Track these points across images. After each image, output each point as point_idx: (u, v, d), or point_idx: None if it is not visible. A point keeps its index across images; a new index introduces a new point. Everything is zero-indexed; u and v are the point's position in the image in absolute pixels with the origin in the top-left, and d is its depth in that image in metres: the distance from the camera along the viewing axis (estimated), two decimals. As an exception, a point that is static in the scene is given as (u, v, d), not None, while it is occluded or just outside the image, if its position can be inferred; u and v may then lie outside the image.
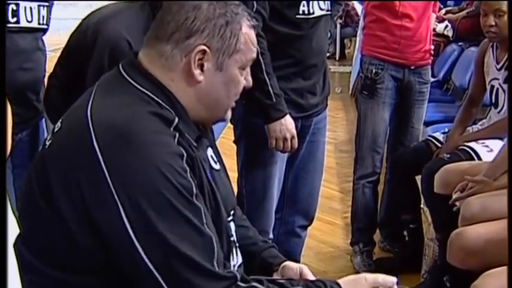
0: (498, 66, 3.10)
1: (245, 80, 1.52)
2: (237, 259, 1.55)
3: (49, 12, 2.32)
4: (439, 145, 3.25)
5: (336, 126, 6.24)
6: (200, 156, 1.44)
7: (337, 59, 10.72)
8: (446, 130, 3.35)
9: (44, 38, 2.40)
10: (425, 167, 3.02)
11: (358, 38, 7.06)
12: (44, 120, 2.43)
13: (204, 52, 1.41)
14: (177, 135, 1.37)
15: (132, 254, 1.29)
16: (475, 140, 3.08)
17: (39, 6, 2.24)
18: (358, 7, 9.16)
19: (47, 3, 2.30)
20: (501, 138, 2.99)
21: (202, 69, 1.42)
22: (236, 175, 2.77)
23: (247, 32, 1.47)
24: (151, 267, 1.28)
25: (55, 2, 2.41)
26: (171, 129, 1.38)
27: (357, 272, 3.39)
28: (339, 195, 4.44)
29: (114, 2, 2.25)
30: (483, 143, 3.04)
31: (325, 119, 2.85)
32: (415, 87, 3.38)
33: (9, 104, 1.32)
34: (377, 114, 3.34)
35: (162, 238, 1.28)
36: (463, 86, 4.69)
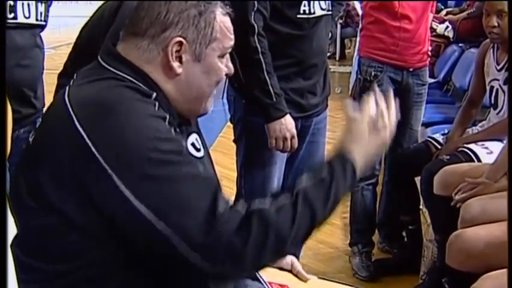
0: (498, 67, 3.10)
1: (226, 67, 1.52)
2: None
3: (47, 9, 2.31)
4: (439, 146, 3.24)
5: (336, 126, 6.20)
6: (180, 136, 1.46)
7: (337, 59, 10.72)
8: (446, 131, 3.35)
9: (44, 35, 2.39)
10: (425, 168, 3.02)
11: (358, 38, 7.05)
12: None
13: (180, 44, 1.42)
14: (157, 104, 1.39)
15: (140, 221, 1.28)
16: (475, 142, 3.08)
17: (37, 2, 2.24)
18: (359, 7, 9.15)
19: None
20: (501, 140, 2.99)
21: (181, 62, 1.43)
22: (235, 174, 2.76)
23: (222, 19, 1.47)
24: (163, 227, 1.28)
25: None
26: (151, 99, 1.39)
27: (356, 273, 3.39)
28: (338, 196, 4.43)
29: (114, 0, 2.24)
30: (483, 144, 3.04)
31: (326, 120, 2.84)
32: (414, 89, 3.37)
33: (9, 103, 1.33)
34: None
35: (165, 196, 1.29)
36: (463, 87, 4.69)
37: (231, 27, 1.50)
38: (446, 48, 5.63)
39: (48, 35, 2.39)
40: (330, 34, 2.78)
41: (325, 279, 1.80)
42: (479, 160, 2.96)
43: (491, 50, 3.15)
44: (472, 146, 3.04)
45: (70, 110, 1.35)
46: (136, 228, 1.31)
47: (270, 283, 1.65)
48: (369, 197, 3.45)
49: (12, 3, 2.15)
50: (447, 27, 5.68)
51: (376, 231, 3.61)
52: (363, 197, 3.44)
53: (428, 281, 3.02)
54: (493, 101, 3.15)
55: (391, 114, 1.54)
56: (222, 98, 2.72)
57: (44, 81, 2.36)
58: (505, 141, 2.88)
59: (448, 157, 3.01)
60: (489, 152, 2.96)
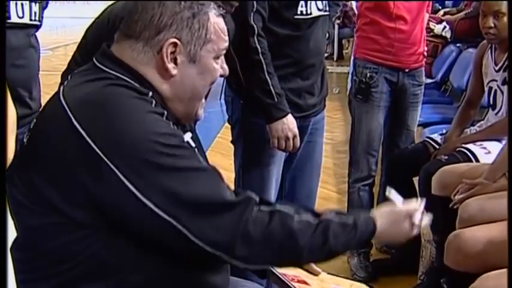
0: (496, 68, 3.10)
1: (221, 68, 1.54)
2: None
3: (42, 9, 2.30)
4: (437, 147, 3.24)
5: (334, 126, 6.23)
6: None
7: (335, 59, 10.73)
8: (444, 132, 3.35)
9: (41, 36, 2.38)
10: (423, 169, 3.02)
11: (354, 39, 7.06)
12: None
13: (175, 45, 1.43)
14: (154, 101, 1.41)
15: (145, 213, 1.31)
16: (473, 142, 3.08)
17: (30, 2, 2.22)
18: (356, 7, 9.16)
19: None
20: (499, 140, 2.99)
21: (176, 63, 1.45)
22: (233, 175, 2.76)
23: (216, 21, 1.48)
24: (167, 217, 1.31)
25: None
26: (148, 97, 1.41)
27: (354, 274, 3.39)
28: (336, 196, 4.43)
29: (113, 2, 2.24)
30: (481, 144, 3.04)
31: (323, 120, 2.84)
32: (410, 90, 3.37)
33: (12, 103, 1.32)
34: (372, 118, 3.33)
35: (167, 188, 1.31)
36: (461, 87, 4.69)
37: (225, 29, 1.51)
38: (444, 49, 5.63)
39: (45, 36, 2.38)
40: (327, 34, 2.78)
41: (334, 275, 1.81)
42: (477, 160, 2.96)
43: (489, 50, 3.16)
44: (470, 146, 3.04)
45: (67, 110, 1.36)
46: (144, 222, 1.33)
47: (284, 275, 1.65)
48: (366, 197, 3.45)
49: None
50: (445, 27, 5.68)
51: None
52: (360, 198, 3.44)
53: (426, 281, 3.02)
54: (491, 102, 3.15)
55: (423, 221, 1.64)
56: (220, 99, 2.72)
57: (40, 82, 2.35)
58: (503, 142, 2.88)
59: (446, 157, 3.01)
60: (487, 152, 2.96)
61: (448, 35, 5.68)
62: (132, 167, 1.31)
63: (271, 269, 1.65)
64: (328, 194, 4.43)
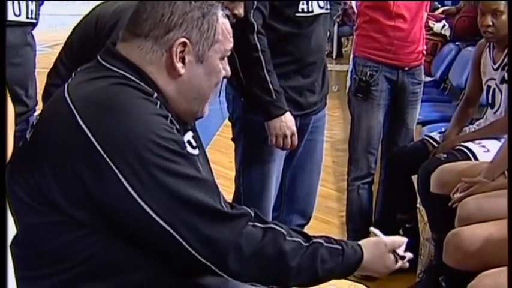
0: (495, 67, 3.10)
1: (224, 70, 1.54)
2: None
3: (38, 7, 2.29)
4: (436, 145, 3.24)
5: (333, 124, 6.23)
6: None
7: (334, 57, 10.72)
8: (443, 130, 3.35)
9: (41, 34, 2.37)
10: (422, 167, 3.02)
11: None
12: (34, 116, 2.41)
13: (184, 44, 1.43)
14: (159, 103, 1.41)
15: (142, 217, 1.31)
16: (472, 140, 3.08)
17: (27, 0, 2.22)
18: (355, 6, 9.15)
19: None
20: (498, 139, 2.99)
21: (184, 62, 1.45)
22: (231, 173, 2.76)
23: (223, 22, 1.49)
24: (163, 223, 1.32)
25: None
26: (153, 98, 1.42)
27: (353, 272, 3.39)
28: (335, 194, 4.43)
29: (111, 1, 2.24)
30: (480, 143, 3.04)
31: (324, 118, 2.85)
32: (409, 88, 3.37)
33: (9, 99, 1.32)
34: (371, 116, 3.33)
35: (166, 193, 1.32)
36: (460, 85, 4.70)
37: (231, 30, 1.52)
38: (443, 47, 5.63)
39: (44, 34, 2.39)
40: (328, 33, 2.79)
41: None
42: (476, 158, 2.96)
43: (488, 49, 3.16)
44: (469, 144, 3.05)
45: (72, 107, 1.36)
46: (141, 225, 1.33)
47: None
48: (365, 195, 3.46)
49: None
50: (444, 25, 5.68)
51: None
52: (359, 196, 3.45)
53: (425, 279, 3.02)
54: (490, 100, 3.15)
55: (406, 257, 1.66)
56: (219, 96, 2.72)
57: (36, 80, 2.35)
58: (502, 140, 2.89)
59: (445, 155, 3.01)
60: (486, 150, 2.96)
61: (447, 33, 5.68)
62: (133, 169, 1.31)
63: None
64: (327, 192, 4.43)
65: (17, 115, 2.23)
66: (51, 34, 11.48)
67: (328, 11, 2.66)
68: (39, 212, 1.37)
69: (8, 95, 1.36)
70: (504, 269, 2.01)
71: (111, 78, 1.41)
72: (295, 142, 2.55)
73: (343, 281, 1.85)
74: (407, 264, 1.63)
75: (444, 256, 2.38)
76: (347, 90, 3.70)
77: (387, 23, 3.25)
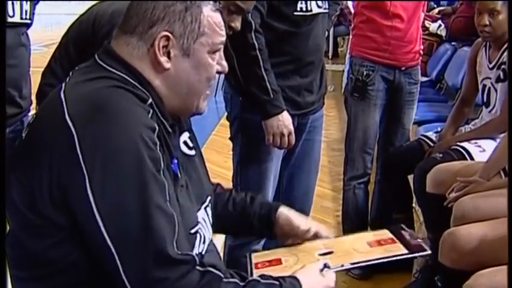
0: (490, 66, 3.11)
1: (219, 64, 1.52)
2: (200, 248, 1.53)
3: (33, 7, 2.28)
4: (432, 144, 3.25)
5: (329, 124, 6.24)
6: (172, 143, 1.46)
7: (330, 57, 10.73)
8: (439, 129, 3.36)
9: (37, 33, 2.36)
10: (418, 167, 3.03)
11: (350, 37, 7.07)
12: (29, 117, 2.39)
13: (167, 38, 1.42)
14: (151, 111, 1.39)
15: (92, 225, 1.28)
16: (468, 140, 3.09)
17: (21, 0, 2.21)
18: (352, 5, 9.15)
19: None
20: (493, 138, 3.00)
21: (169, 57, 1.44)
22: (228, 172, 2.76)
23: (211, 15, 1.47)
24: (109, 241, 1.27)
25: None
26: (146, 105, 1.40)
27: (349, 271, 3.39)
28: (331, 194, 4.44)
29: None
30: (475, 142, 3.05)
31: (322, 118, 2.85)
32: (406, 88, 3.37)
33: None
34: (368, 116, 3.33)
35: (121, 210, 1.28)
36: (456, 85, 4.70)
37: (221, 23, 1.50)
38: (439, 47, 5.65)
39: (40, 33, 2.38)
40: (326, 32, 2.79)
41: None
42: (472, 158, 2.97)
43: (484, 48, 3.17)
44: (464, 144, 3.05)
45: (64, 106, 1.35)
46: (89, 233, 1.30)
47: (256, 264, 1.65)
48: (361, 195, 3.46)
49: None
50: (440, 25, 5.70)
51: (369, 229, 3.61)
52: (355, 196, 3.45)
53: (421, 279, 3.02)
54: (485, 100, 3.16)
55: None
56: (215, 96, 2.71)
57: (31, 80, 2.34)
58: (497, 140, 2.89)
59: (441, 155, 3.02)
60: (482, 150, 2.97)
61: (443, 33, 5.70)
62: (101, 174, 1.28)
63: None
64: (323, 191, 4.43)
65: (9, 116, 2.24)
66: (46, 33, 11.45)
67: (327, 10, 2.66)
68: (28, 212, 1.36)
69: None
70: (499, 268, 2.02)
71: (109, 79, 1.40)
72: (293, 141, 2.55)
73: (349, 236, 1.79)
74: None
75: (440, 255, 2.38)
76: (343, 90, 3.70)
77: (384, 23, 3.25)
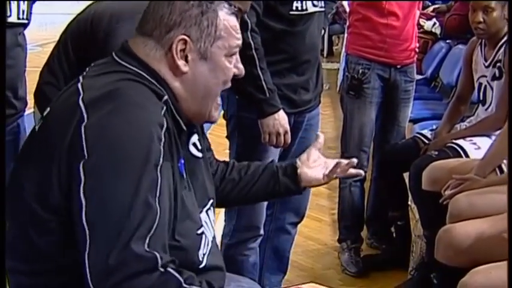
0: (486, 64, 3.12)
1: (235, 67, 1.54)
2: (204, 249, 1.53)
3: (30, 7, 2.27)
4: (427, 142, 3.26)
5: (324, 123, 6.21)
6: (181, 142, 1.48)
7: (325, 55, 10.73)
8: (434, 127, 3.36)
9: (31, 33, 2.35)
10: (413, 164, 3.03)
11: (346, 35, 7.07)
12: (25, 118, 2.38)
13: (184, 42, 1.44)
14: (165, 108, 1.40)
15: (76, 204, 1.28)
16: (463, 138, 3.09)
17: (18, 0, 2.20)
18: (346, 4, 9.16)
19: None
20: (489, 136, 3.01)
21: (186, 60, 1.46)
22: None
23: (226, 18, 1.49)
24: (85, 222, 1.27)
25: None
26: (161, 101, 1.41)
27: (345, 269, 3.40)
28: (326, 192, 4.44)
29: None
30: (471, 140, 3.05)
31: (318, 116, 2.85)
32: (401, 86, 3.38)
33: None
34: (364, 114, 3.34)
35: (106, 194, 1.28)
36: (451, 83, 4.71)
37: (237, 26, 1.52)
38: (434, 45, 5.65)
39: (34, 33, 2.36)
40: (322, 31, 2.79)
41: None
42: (467, 156, 2.97)
43: (479, 47, 3.17)
44: (460, 141, 3.06)
45: (80, 93, 1.37)
46: (74, 214, 1.30)
47: None
48: (357, 193, 3.46)
49: None
50: (434, 23, 5.70)
51: (365, 227, 3.62)
52: (351, 194, 3.45)
53: (417, 276, 3.03)
54: (481, 97, 3.17)
55: None
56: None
57: (26, 80, 2.33)
58: (493, 137, 2.90)
59: (436, 153, 3.02)
60: (477, 147, 2.98)
61: (438, 31, 5.70)
62: (98, 160, 1.29)
63: None
64: (319, 189, 4.40)
65: (5, 117, 2.22)
66: (41, 33, 11.42)
67: (323, 9, 2.66)
68: (34, 208, 1.36)
69: None
70: (495, 264, 2.02)
71: (125, 73, 1.43)
72: (289, 140, 2.55)
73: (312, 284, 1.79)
74: None
75: (436, 253, 2.39)
76: (338, 88, 3.71)
77: (380, 21, 3.26)
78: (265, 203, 2.70)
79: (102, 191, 1.28)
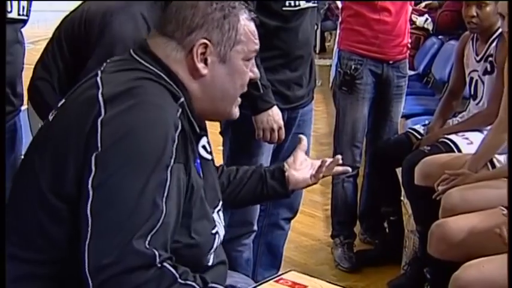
0: (478, 58, 3.13)
1: (251, 72, 1.57)
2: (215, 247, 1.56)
3: (29, 3, 2.27)
4: (420, 137, 3.27)
5: (316, 119, 6.19)
6: (194, 142, 1.49)
7: (317, 52, 10.72)
8: (427, 123, 3.37)
9: (23, 30, 2.35)
10: (406, 159, 3.04)
11: (338, 32, 7.06)
12: (21, 115, 2.38)
13: (205, 46, 1.46)
14: (180, 111, 1.42)
15: (84, 196, 1.30)
16: (455, 133, 3.10)
17: None
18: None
19: None
20: (480, 131, 3.02)
21: (206, 63, 1.47)
22: (217, 167, 2.76)
23: (246, 23, 1.52)
24: (89, 213, 1.28)
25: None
26: (177, 103, 1.43)
27: (338, 265, 3.41)
28: (319, 188, 4.44)
29: None
30: (463, 135, 3.07)
31: (311, 112, 2.85)
32: (394, 82, 3.38)
33: None
34: (356, 109, 3.34)
35: (114, 189, 1.29)
36: (443, 79, 4.72)
37: (256, 32, 1.54)
38: (426, 41, 5.65)
39: (27, 30, 2.35)
40: (315, 26, 2.79)
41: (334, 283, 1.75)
42: (459, 150, 2.98)
43: (471, 41, 3.18)
44: (452, 136, 3.07)
45: (100, 87, 1.39)
46: (81, 205, 1.31)
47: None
48: (350, 189, 3.47)
49: None
50: (426, 19, 5.71)
51: (358, 222, 3.63)
52: (344, 189, 3.46)
53: (410, 271, 3.04)
54: (472, 92, 3.18)
55: None
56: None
57: (22, 77, 2.33)
58: (485, 132, 2.91)
59: (428, 148, 3.03)
60: (469, 142, 2.99)
61: (430, 27, 5.71)
62: (111, 155, 1.30)
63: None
64: (312, 185, 4.43)
65: (5, 116, 2.22)
66: (33, 30, 11.39)
67: (315, 4, 2.66)
68: (48, 197, 1.36)
69: None
70: (487, 258, 2.04)
71: (145, 72, 1.44)
72: (282, 136, 2.56)
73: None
74: None
75: (428, 247, 2.40)
76: (331, 84, 3.70)
77: (372, 17, 3.26)
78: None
79: (110, 185, 1.30)
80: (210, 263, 1.54)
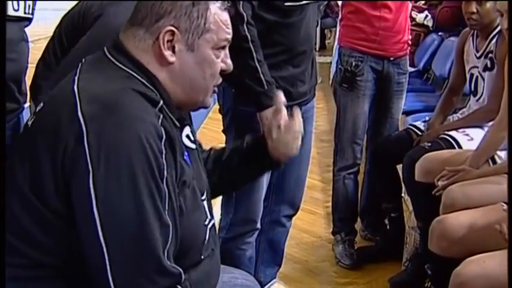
0: (478, 55, 3.13)
1: (224, 63, 1.55)
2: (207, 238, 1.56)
3: (34, 2, 2.28)
4: (420, 134, 3.27)
5: (317, 116, 6.16)
6: (178, 137, 1.48)
7: (317, 49, 10.71)
8: (427, 119, 3.38)
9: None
10: (406, 156, 3.04)
11: (338, 29, 7.06)
12: (24, 112, 2.39)
13: (172, 33, 1.44)
14: (161, 116, 1.40)
15: (89, 221, 1.29)
16: (456, 129, 3.10)
17: None
18: (339, -3, 9.15)
19: None
20: (481, 127, 3.02)
21: (174, 51, 1.46)
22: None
23: (217, 12, 1.50)
24: (102, 239, 1.29)
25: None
26: (156, 109, 1.41)
27: (339, 261, 3.41)
28: (320, 185, 4.45)
29: None
30: (463, 131, 3.07)
31: (313, 109, 2.85)
32: (394, 78, 3.38)
33: None
34: (357, 106, 3.34)
35: (120, 212, 1.30)
36: (443, 75, 4.72)
37: (228, 21, 1.52)
38: (426, 37, 5.64)
39: (27, 29, 2.37)
40: (317, 22, 2.79)
41: None
42: (460, 147, 2.98)
43: (471, 37, 3.18)
44: (453, 133, 3.07)
45: (77, 102, 1.36)
46: (84, 228, 1.31)
47: None
48: (351, 185, 3.47)
49: None
50: (426, 16, 5.70)
51: (359, 219, 3.63)
52: (345, 186, 3.46)
53: (411, 267, 3.04)
54: (473, 88, 3.18)
55: None
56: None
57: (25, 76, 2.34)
58: (485, 128, 2.91)
59: (429, 144, 3.03)
60: (470, 138, 2.99)
61: (430, 23, 5.70)
62: (106, 177, 1.30)
63: None
64: (312, 182, 4.44)
65: (8, 112, 2.23)
66: (33, 29, 11.35)
67: (317, 0, 2.66)
68: (28, 197, 1.36)
69: None
70: (488, 254, 2.04)
71: (122, 80, 1.42)
72: None
73: None
74: None
75: (429, 243, 2.40)
76: (331, 81, 3.70)
77: (372, 13, 3.25)
78: (263, 197, 2.70)
79: (115, 210, 1.30)
80: (202, 256, 1.54)
